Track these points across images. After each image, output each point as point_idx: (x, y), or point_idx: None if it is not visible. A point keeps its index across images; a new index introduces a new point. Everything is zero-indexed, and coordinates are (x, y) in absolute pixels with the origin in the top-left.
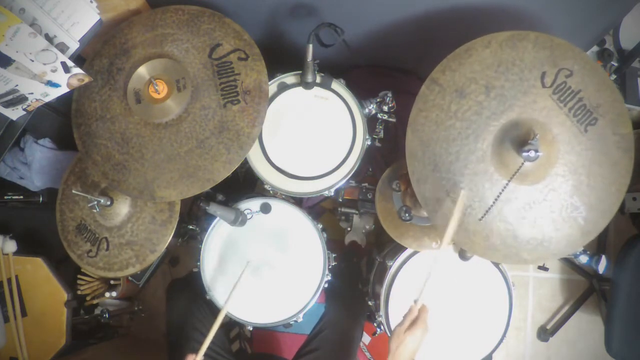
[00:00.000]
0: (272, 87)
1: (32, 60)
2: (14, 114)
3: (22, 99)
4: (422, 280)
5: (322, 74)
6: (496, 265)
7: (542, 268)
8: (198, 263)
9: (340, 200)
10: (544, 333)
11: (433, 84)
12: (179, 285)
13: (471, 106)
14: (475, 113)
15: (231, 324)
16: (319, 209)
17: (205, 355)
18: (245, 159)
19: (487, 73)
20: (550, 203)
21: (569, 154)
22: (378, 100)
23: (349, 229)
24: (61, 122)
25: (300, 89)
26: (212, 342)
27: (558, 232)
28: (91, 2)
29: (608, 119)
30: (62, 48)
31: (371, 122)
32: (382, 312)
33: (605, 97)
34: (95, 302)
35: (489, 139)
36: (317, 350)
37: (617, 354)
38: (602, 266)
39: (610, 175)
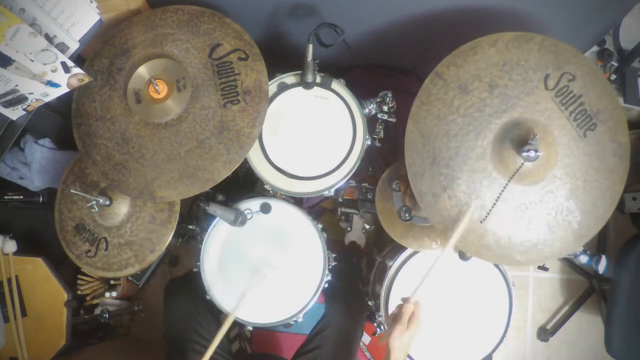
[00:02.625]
0: (272, 87)
1: (32, 60)
2: (14, 114)
3: (22, 99)
4: (417, 281)
5: (322, 74)
6: (496, 265)
7: (542, 268)
8: (198, 263)
9: (340, 200)
10: (544, 333)
11: (437, 78)
12: (176, 285)
13: (474, 103)
14: (477, 110)
15: (231, 324)
16: (319, 209)
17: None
18: (245, 159)
19: (491, 71)
20: (547, 205)
21: (568, 157)
22: (378, 100)
23: (349, 229)
24: (61, 122)
25: (300, 89)
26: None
27: (552, 235)
28: (91, 2)
29: (607, 125)
30: (62, 48)
31: (371, 122)
32: (382, 312)
33: (605, 103)
34: (95, 302)
35: (489, 136)
36: (317, 348)
37: (617, 354)
38: (602, 266)
39: (606, 182)
